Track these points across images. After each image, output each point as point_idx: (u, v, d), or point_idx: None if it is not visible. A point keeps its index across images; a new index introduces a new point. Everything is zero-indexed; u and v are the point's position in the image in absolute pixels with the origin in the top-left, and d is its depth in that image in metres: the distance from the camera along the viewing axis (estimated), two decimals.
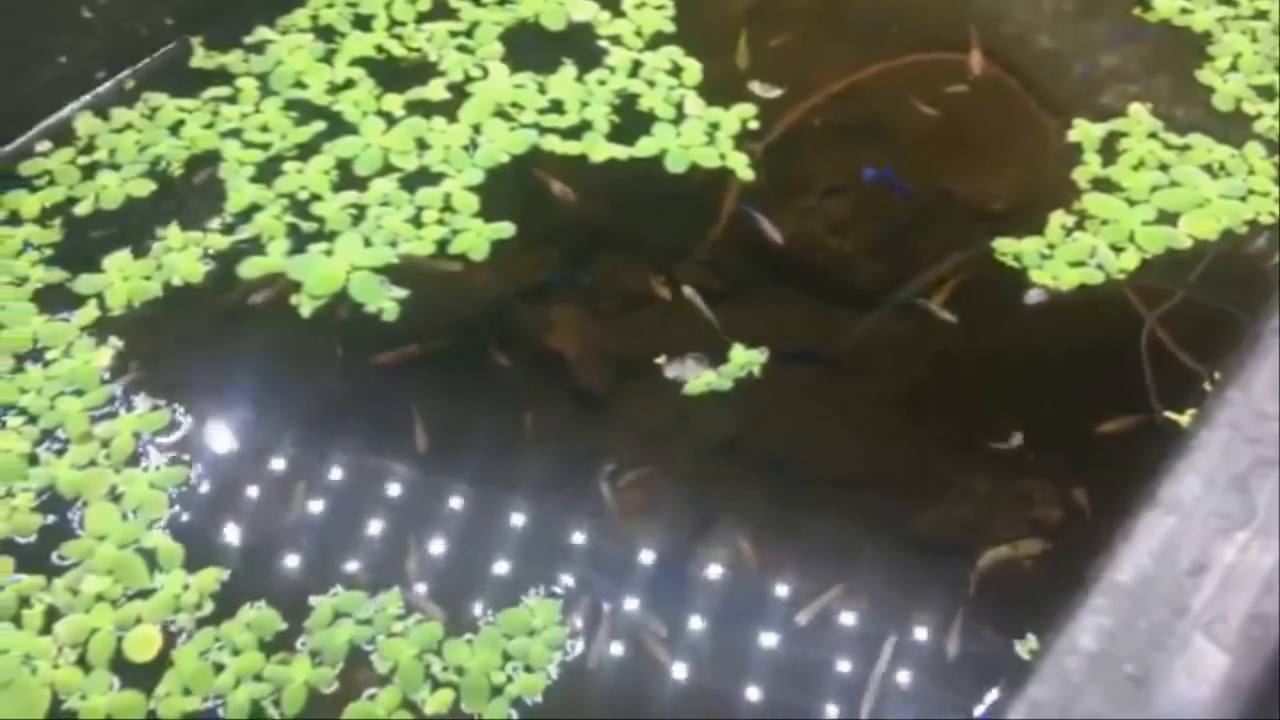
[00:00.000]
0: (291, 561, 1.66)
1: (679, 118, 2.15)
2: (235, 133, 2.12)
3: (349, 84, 2.20)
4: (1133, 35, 2.31)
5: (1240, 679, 1.24)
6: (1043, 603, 1.51)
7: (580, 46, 2.26)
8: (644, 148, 2.10)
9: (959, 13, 2.34)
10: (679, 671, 1.57)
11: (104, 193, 2.03)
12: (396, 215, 2.00)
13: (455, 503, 1.71)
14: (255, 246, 1.96)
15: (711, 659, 1.58)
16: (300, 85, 2.19)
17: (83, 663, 1.55)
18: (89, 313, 1.88)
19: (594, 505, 1.71)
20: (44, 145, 2.10)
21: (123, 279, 1.92)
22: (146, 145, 2.10)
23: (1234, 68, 2.23)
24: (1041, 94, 2.22)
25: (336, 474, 1.74)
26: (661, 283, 1.93)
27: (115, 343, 1.85)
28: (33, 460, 1.72)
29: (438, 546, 1.67)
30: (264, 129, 2.12)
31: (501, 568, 1.65)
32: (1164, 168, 2.07)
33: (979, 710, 1.53)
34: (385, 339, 1.86)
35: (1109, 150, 2.10)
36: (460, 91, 2.18)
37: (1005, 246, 1.97)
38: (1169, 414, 1.77)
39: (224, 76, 2.20)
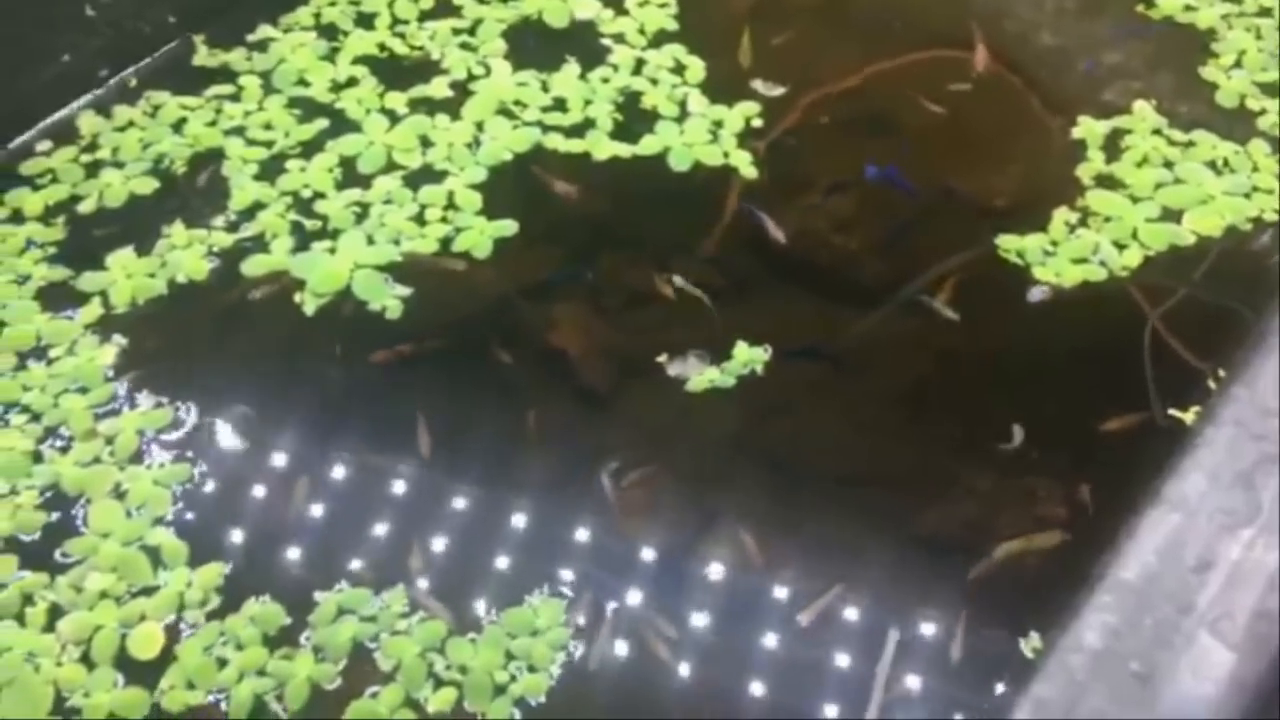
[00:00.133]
0: (295, 558, 1.66)
1: (682, 116, 2.15)
2: (238, 130, 2.12)
3: (352, 82, 2.20)
4: (1136, 32, 2.30)
5: (1245, 676, 1.24)
6: (1047, 600, 1.51)
7: (583, 44, 2.26)
8: (647, 146, 2.10)
9: (962, 10, 2.34)
10: (682, 671, 1.57)
11: (107, 191, 2.03)
12: (399, 213, 2.00)
13: (458, 500, 1.71)
14: (259, 244, 1.97)
15: (715, 658, 1.58)
16: (303, 83, 2.19)
17: (86, 660, 1.55)
18: (93, 310, 1.88)
19: (597, 503, 1.71)
20: (47, 144, 2.10)
21: (126, 277, 1.92)
22: (149, 143, 2.10)
23: (1238, 64, 2.22)
24: (1045, 91, 2.22)
25: (340, 471, 1.74)
26: (664, 280, 1.93)
27: (119, 340, 1.85)
28: (36, 458, 1.73)
29: (441, 544, 1.67)
30: (267, 127, 2.12)
31: (505, 566, 1.65)
32: (1168, 165, 2.07)
33: (984, 708, 1.53)
34: (388, 337, 1.86)
35: (1112, 147, 2.10)
36: (463, 89, 2.18)
37: (1008, 244, 1.97)
38: (1173, 411, 1.77)
39: (227, 74, 2.20)
